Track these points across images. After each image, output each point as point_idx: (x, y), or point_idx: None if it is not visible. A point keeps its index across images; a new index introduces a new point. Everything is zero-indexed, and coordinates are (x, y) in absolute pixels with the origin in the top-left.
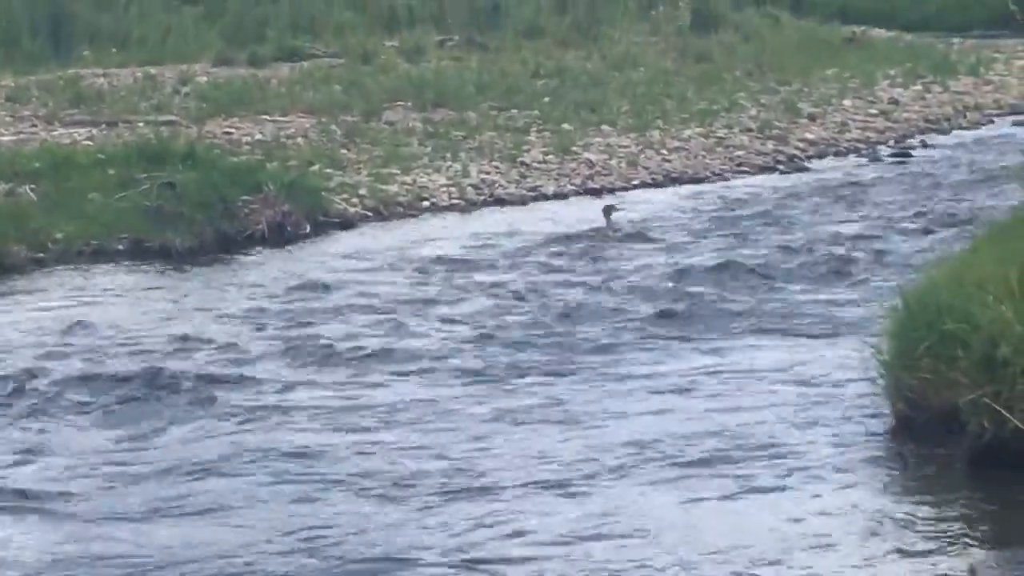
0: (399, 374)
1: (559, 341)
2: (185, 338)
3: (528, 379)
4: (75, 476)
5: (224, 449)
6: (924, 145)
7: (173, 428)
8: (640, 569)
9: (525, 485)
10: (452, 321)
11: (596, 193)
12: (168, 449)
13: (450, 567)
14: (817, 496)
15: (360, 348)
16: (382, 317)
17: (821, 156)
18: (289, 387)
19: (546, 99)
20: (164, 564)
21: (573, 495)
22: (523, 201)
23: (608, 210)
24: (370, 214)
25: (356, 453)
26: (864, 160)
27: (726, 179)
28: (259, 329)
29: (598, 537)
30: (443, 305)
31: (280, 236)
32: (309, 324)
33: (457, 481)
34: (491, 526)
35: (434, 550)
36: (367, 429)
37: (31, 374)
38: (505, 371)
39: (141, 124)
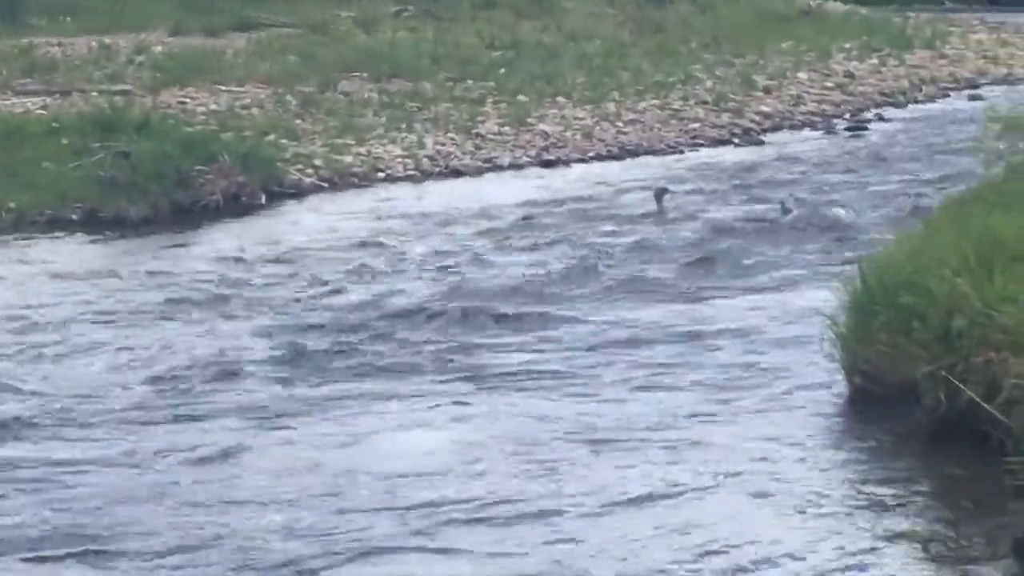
0: (348, 346)
1: (508, 308)
2: (134, 307)
3: (473, 350)
4: None
5: (159, 421)
6: (880, 118)
7: (110, 400)
8: (587, 540)
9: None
10: (399, 293)
11: (551, 165)
12: (103, 422)
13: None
14: (772, 470)
15: (309, 323)
16: (333, 289)
17: (776, 129)
18: (234, 358)
19: (501, 70)
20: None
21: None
22: (478, 172)
23: (660, 193)
24: (325, 184)
25: (296, 425)
26: (820, 133)
27: (681, 152)
28: (211, 299)
29: (528, 510)
30: (393, 276)
31: (235, 206)
32: (260, 294)
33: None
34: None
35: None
36: (311, 406)
37: None
38: (456, 343)
39: (95, 93)
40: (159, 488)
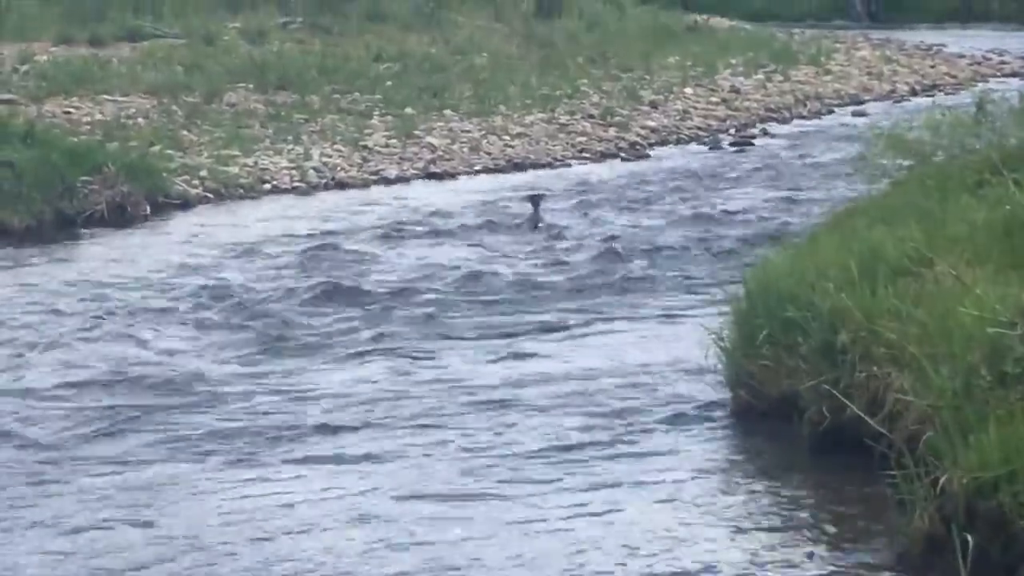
0: (227, 358)
1: (387, 326)
2: (12, 319)
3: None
4: None
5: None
6: (765, 134)
7: None
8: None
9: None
10: (281, 302)
11: (438, 178)
12: None
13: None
14: (656, 485)
15: (187, 335)
16: (214, 301)
17: (662, 143)
18: (116, 362)
19: (389, 83)
20: None
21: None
22: (365, 184)
23: (536, 200)
24: (211, 196)
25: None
26: (705, 148)
27: (568, 165)
28: (93, 312)
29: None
30: (273, 289)
31: (120, 217)
32: (138, 306)
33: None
34: None
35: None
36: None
37: None
38: (335, 353)
39: None
40: None
